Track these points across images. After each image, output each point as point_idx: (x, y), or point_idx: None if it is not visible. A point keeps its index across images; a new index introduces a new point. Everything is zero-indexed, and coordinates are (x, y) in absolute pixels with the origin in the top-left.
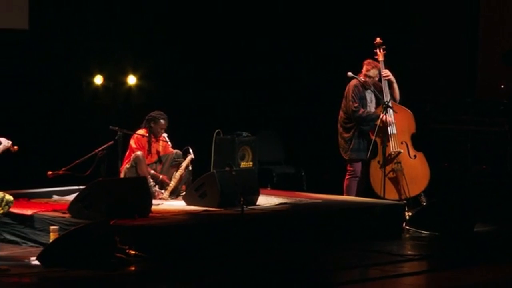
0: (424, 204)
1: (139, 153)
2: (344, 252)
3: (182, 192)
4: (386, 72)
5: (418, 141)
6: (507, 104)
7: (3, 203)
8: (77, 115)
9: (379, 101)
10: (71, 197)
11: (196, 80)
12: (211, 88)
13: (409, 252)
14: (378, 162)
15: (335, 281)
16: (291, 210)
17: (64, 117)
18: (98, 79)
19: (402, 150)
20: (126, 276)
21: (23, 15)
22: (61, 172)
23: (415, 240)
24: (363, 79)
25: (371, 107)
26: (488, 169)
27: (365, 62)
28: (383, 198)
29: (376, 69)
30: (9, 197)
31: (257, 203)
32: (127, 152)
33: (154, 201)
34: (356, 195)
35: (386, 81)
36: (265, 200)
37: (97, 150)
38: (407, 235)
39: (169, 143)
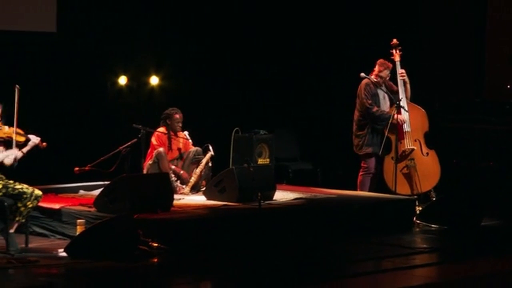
0: (434, 199)
1: (161, 149)
2: (358, 245)
3: (202, 188)
4: (402, 72)
5: (431, 139)
6: None
7: (32, 198)
8: (102, 114)
9: (392, 101)
10: (96, 192)
11: (215, 81)
12: (230, 88)
13: (419, 245)
14: (392, 158)
15: (349, 273)
16: (306, 205)
17: (90, 116)
18: (122, 80)
19: (415, 148)
20: (148, 267)
21: (51, 19)
22: (87, 168)
23: (426, 233)
24: (374, 79)
25: (385, 104)
26: (495, 165)
27: (378, 62)
28: (395, 193)
29: (388, 70)
30: (38, 192)
31: (274, 198)
32: (150, 149)
33: (175, 196)
34: (369, 191)
35: (401, 80)
36: (282, 195)
37: (121, 148)
38: (418, 229)
39: (190, 140)
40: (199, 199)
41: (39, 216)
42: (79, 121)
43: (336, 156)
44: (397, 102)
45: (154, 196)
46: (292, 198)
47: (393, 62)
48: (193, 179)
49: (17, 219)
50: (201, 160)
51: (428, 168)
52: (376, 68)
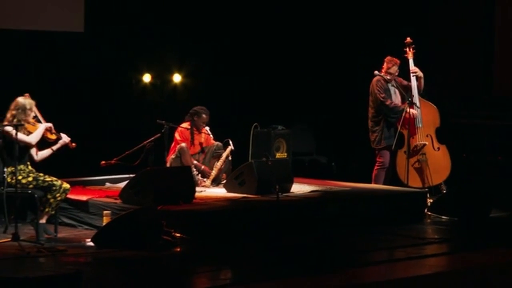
0: (444, 191)
1: (183, 144)
2: (371, 235)
3: (223, 180)
4: (415, 69)
5: (442, 134)
6: None
7: (61, 191)
8: (127, 110)
9: (403, 95)
10: (122, 185)
11: (235, 79)
12: (249, 86)
13: (430, 236)
14: (404, 152)
15: (364, 262)
16: (322, 197)
17: (116, 112)
18: (147, 77)
19: (427, 143)
20: (171, 256)
21: (79, 19)
22: (113, 162)
23: (436, 224)
24: (386, 76)
25: (396, 98)
26: (503, 159)
27: (386, 60)
28: (407, 186)
29: (396, 66)
30: (66, 185)
31: (291, 191)
32: (173, 144)
33: (197, 188)
34: (383, 184)
35: (414, 77)
36: (298, 188)
37: (145, 142)
38: (429, 220)
39: (211, 135)
40: (219, 191)
41: (68, 207)
42: (106, 117)
43: (350, 150)
44: (409, 99)
45: (177, 189)
46: (309, 190)
47: (407, 59)
48: (214, 173)
49: (46, 210)
50: (221, 154)
51: (439, 162)
52: (385, 66)
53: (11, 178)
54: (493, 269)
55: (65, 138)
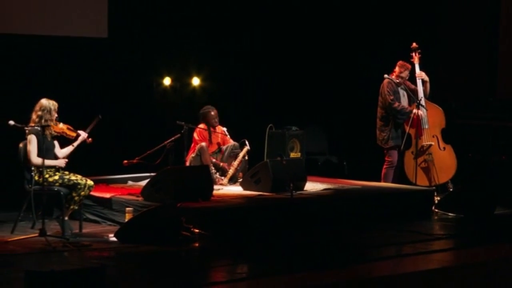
0: (451, 190)
1: (203, 144)
2: (381, 232)
3: (240, 179)
4: (420, 73)
5: (448, 135)
6: None
7: (86, 188)
8: (148, 112)
9: (411, 98)
10: (143, 183)
11: (251, 82)
12: (265, 89)
13: (437, 232)
14: (412, 152)
15: (374, 257)
16: (334, 195)
17: (138, 113)
18: (167, 81)
19: (433, 143)
20: (190, 251)
21: (102, 25)
22: (135, 161)
23: (443, 221)
24: (396, 80)
25: (404, 101)
26: (507, 159)
27: (398, 64)
28: (415, 184)
29: (407, 70)
30: (90, 182)
31: (305, 189)
32: (192, 144)
33: (215, 186)
34: (392, 182)
35: (420, 80)
36: (312, 186)
37: (166, 142)
38: (436, 217)
39: (228, 136)
40: (236, 189)
41: (92, 204)
42: (128, 119)
43: (361, 150)
44: (418, 101)
45: (196, 187)
46: (321, 188)
47: (413, 64)
48: (231, 171)
49: (71, 207)
50: (238, 154)
51: (445, 162)
52: (397, 70)
53: (38, 177)
54: (497, 263)
55: (83, 134)
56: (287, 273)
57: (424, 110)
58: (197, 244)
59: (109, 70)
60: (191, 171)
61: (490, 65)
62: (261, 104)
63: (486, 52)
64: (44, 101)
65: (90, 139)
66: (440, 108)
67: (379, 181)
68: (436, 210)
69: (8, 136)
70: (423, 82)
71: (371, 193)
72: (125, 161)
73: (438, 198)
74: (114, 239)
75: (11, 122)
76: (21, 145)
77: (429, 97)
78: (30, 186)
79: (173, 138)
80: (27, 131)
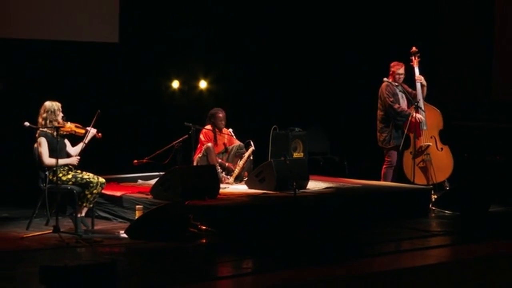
0: (448, 188)
1: (209, 145)
2: (380, 228)
3: (245, 178)
4: (419, 77)
5: (445, 136)
6: None
7: (98, 186)
8: (157, 113)
9: (409, 100)
10: (152, 182)
11: (256, 85)
12: (269, 91)
13: (435, 229)
14: (411, 153)
15: (373, 253)
16: (335, 193)
17: (147, 115)
18: (175, 84)
19: (431, 144)
20: (198, 247)
21: (113, 31)
22: (144, 160)
23: (440, 218)
24: (394, 82)
25: (403, 103)
26: (501, 159)
27: (392, 64)
28: (414, 183)
29: (402, 67)
30: (102, 179)
31: (307, 187)
32: (199, 145)
33: (221, 185)
34: (391, 181)
35: (419, 83)
36: (314, 185)
37: (174, 143)
38: (433, 215)
39: (234, 136)
40: (241, 188)
41: (103, 202)
42: (138, 120)
43: (361, 151)
44: (416, 103)
45: (203, 185)
46: (323, 187)
47: (412, 68)
48: (236, 171)
49: (84, 204)
50: (243, 154)
51: (442, 162)
52: (392, 69)
53: (52, 176)
54: (492, 259)
55: (92, 130)
56: (290, 268)
57: (423, 113)
58: (204, 240)
59: (119, 74)
60: (198, 171)
61: (485, 70)
62: (265, 106)
63: (481, 55)
64: (47, 103)
65: (100, 134)
66: (438, 110)
67: (379, 180)
68: (434, 208)
69: (23, 137)
70: (422, 85)
71: (371, 191)
72: (135, 161)
73: (435, 196)
74: (125, 235)
75: (27, 124)
76: (35, 145)
77: (426, 99)
78: (44, 185)
79: (181, 139)
80: (37, 133)
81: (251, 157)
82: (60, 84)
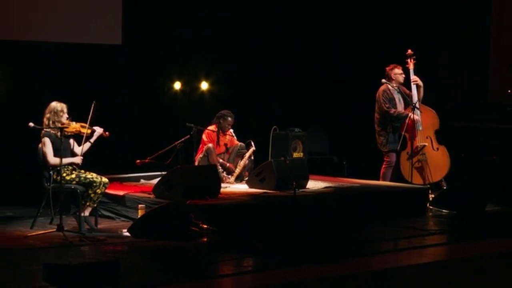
0: (445, 187)
1: (210, 145)
2: (378, 227)
3: (245, 178)
4: (415, 78)
5: (441, 136)
6: None
7: (101, 185)
8: (160, 114)
9: (407, 102)
10: (155, 181)
11: (256, 86)
12: (269, 93)
13: (432, 228)
14: (407, 153)
15: (371, 251)
16: (334, 193)
17: (150, 116)
18: (177, 85)
19: (427, 144)
20: (199, 245)
21: (117, 33)
22: (147, 160)
23: (437, 217)
24: (394, 84)
25: (400, 105)
26: (498, 159)
27: (387, 68)
28: (411, 183)
29: (399, 69)
30: (105, 179)
31: (307, 187)
32: (201, 145)
33: (222, 185)
34: (390, 181)
35: (414, 85)
36: (313, 184)
37: (176, 143)
38: (430, 214)
39: (235, 137)
40: (242, 187)
41: (107, 201)
42: (141, 121)
43: (359, 151)
44: (413, 105)
45: (204, 185)
46: (322, 186)
47: (408, 70)
48: (237, 170)
49: (88, 204)
50: (244, 154)
51: (438, 161)
52: (389, 72)
53: (56, 175)
54: (488, 257)
55: (99, 130)
56: (290, 266)
57: (419, 113)
58: (205, 239)
59: (123, 75)
60: (200, 170)
61: (481, 71)
62: (265, 107)
63: (478, 56)
64: (52, 104)
65: (107, 133)
66: (433, 111)
67: (377, 180)
68: (431, 207)
69: (28, 137)
70: (417, 87)
71: (369, 191)
72: (138, 161)
73: (433, 196)
74: (128, 234)
75: (31, 124)
76: (40, 145)
77: (422, 100)
78: (48, 184)
79: (182, 139)
80: (41, 134)
81: (252, 157)
82: (63, 86)
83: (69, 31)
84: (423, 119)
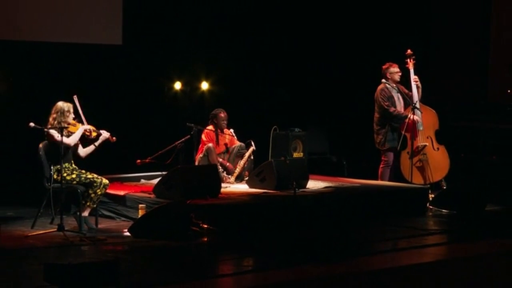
0: (444, 187)
1: (210, 145)
2: (378, 227)
3: (246, 177)
4: (415, 78)
5: (441, 136)
6: None
7: (101, 186)
8: (160, 114)
9: (406, 101)
10: (155, 181)
11: (257, 87)
12: (269, 93)
13: (432, 227)
14: (408, 153)
15: (371, 251)
16: (334, 192)
17: (150, 116)
18: (177, 85)
19: (427, 144)
20: (199, 245)
21: (117, 33)
22: (147, 160)
23: (437, 217)
24: (392, 83)
25: (399, 104)
26: (497, 159)
27: (383, 67)
28: (411, 182)
29: (395, 68)
30: (105, 181)
31: (307, 187)
32: (200, 145)
33: (222, 185)
34: (388, 181)
35: (415, 85)
36: (313, 184)
37: (176, 143)
38: (430, 213)
39: (235, 137)
40: (242, 187)
41: (107, 201)
42: (141, 120)
43: (359, 151)
44: (413, 104)
45: (204, 185)
46: (322, 186)
47: (408, 70)
48: (237, 170)
49: (88, 204)
50: (244, 154)
51: (438, 161)
52: (385, 72)
53: (57, 175)
54: (489, 258)
55: (105, 134)
56: (290, 266)
57: (419, 113)
58: (205, 239)
59: (123, 75)
60: (200, 170)
61: (481, 71)
62: (265, 107)
63: (478, 60)
64: (59, 104)
65: (114, 138)
66: (433, 111)
67: (377, 179)
68: (431, 207)
69: (29, 137)
70: (417, 87)
71: (369, 191)
72: (138, 161)
73: (432, 196)
74: (128, 234)
75: (32, 124)
76: (40, 145)
77: (423, 100)
78: (49, 184)
79: (183, 139)
80: (45, 132)
81: (252, 157)
82: (63, 86)
83: (69, 31)
84: (423, 119)
